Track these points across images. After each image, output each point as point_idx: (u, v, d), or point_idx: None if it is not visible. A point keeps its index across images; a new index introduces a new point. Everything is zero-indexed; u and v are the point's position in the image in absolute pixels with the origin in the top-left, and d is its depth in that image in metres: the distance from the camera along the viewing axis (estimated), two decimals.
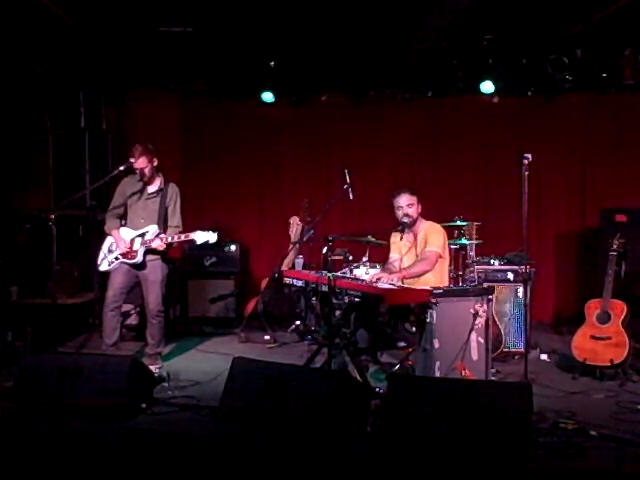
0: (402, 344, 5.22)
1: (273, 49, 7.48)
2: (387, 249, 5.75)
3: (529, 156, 5.00)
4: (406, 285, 5.01)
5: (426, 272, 5.23)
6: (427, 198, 7.92)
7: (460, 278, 6.10)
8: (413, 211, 5.35)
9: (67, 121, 7.67)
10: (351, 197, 5.99)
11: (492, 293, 5.01)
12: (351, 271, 5.58)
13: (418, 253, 5.39)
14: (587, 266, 7.53)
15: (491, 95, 7.64)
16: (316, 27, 6.77)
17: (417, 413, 3.91)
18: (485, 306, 4.81)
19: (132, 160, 5.46)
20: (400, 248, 5.51)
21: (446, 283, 5.39)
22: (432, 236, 5.31)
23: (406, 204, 5.35)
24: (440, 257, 5.29)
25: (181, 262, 7.79)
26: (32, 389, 4.59)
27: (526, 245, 5.22)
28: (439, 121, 8.18)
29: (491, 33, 7.07)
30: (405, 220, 5.34)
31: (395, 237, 5.54)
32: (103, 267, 5.69)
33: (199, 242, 5.41)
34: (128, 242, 5.56)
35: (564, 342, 6.35)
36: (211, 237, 5.39)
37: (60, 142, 7.65)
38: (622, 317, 5.43)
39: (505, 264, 6.33)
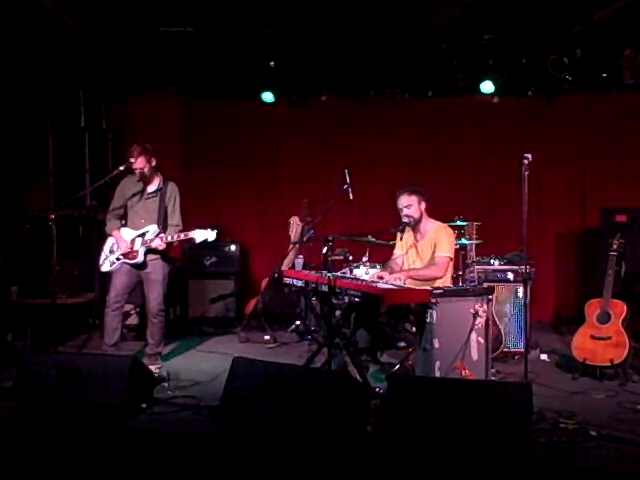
0: (402, 344, 5.21)
1: (273, 49, 7.48)
2: (387, 249, 5.74)
3: (529, 156, 4.99)
4: (407, 285, 5.01)
5: (437, 278, 5.20)
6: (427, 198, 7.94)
7: (460, 278, 6.10)
8: (413, 211, 5.34)
9: (67, 121, 7.65)
10: (351, 197, 5.99)
11: (492, 293, 5.01)
12: (351, 271, 5.58)
13: (420, 252, 5.38)
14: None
15: (491, 95, 7.64)
16: (316, 27, 6.77)
17: (417, 413, 3.91)
18: (485, 306, 4.81)
19: (132, 160, 5.46)
20: (406, 243, 5.49)
21: (449, 283, 5.40)
22: (442, 240, 5.26)
23: (404, 205, 5.34)
24: (451, 260, 5.30)
25: (181, 262, 7.79)
26: (32, 389, 4.59)
27: (526, 245, 5.22)
28: (439, 121, 8.18)
29: (491, 33, 7.07)
30: (405, 221, 5.34)
31: (399, 235, 5.53)
32: (105, 268, 5.70)
33: (198, 240, 5.41)
34: (129, 242, 5.57)
35: (564, 342, 6.36)
36: (210, 235, 5.40)
37: (60, 142, 7.65)
38: (622, 317, 5.43)
39: (505, 264, 6.33)
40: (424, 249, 5.36)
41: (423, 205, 5.37)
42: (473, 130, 8.16)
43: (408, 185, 5.66)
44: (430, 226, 5.38)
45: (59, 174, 7.62)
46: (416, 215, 5.34)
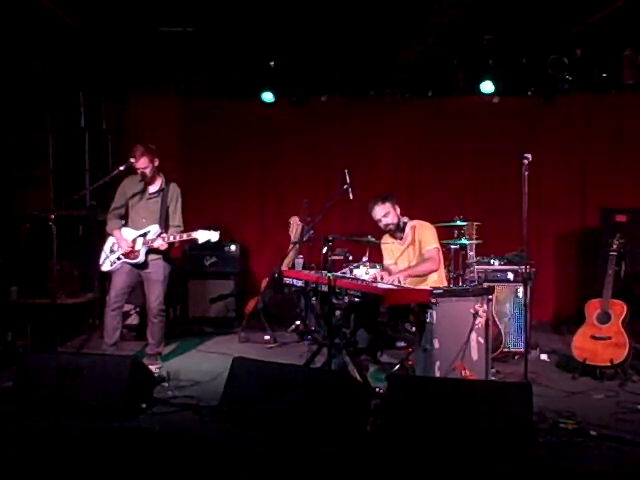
0: (402, 344, 5.22)
1: (273, 49, 7.49)
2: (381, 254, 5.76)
3: (529, 156, 5.00)
4: (406, 285, 5.02)
5: (433, 271, 5.27)
6: (427, 198, 7.95)
7: (460, 278, 6.10)
8: (391, 218, 5.39)
9: (67, 121, 7.66)
10: (351, 197, 5.99)
11: (492, 293, 5.01)
12: (351, 271, 5.59)
13: (406, 253, 5.40)
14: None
15: (491, 95, 7.64)
16: (316, 27, 6.77)
17: (417, 413, 3.91)
18: (485, 306, 4.81)
19: (132, 160, 5.45)
20: (392, 252, 5.53)
21: (444, 276, 5.43)
22: (424, 234, 5.33)
23: (382, 215, 5.38)
24: (439, 250, 5.35)
25: (181, 262, 7.79)
26: (32, 389, 4.59)
27: (526, 245, 5.22)
28: (439, 121, 8.17)
29: (491, 33, 7.07)
30: (390, 228, 5.40)
31: (386, 239, 5.55)
32: (105, 267, 5.69)
33: (201, 241, 5.40)
34: (130, 242, 5.56)
35: (564, 342, 6.36)
36: (213, 236, 5.39)
37: (60, 142, 7.65)
38: (622, 317, 5.43)
39: (505, 264, 6.33)
40: (409, 250, 5.43)
41: (398, 209, 5.42)
42: (473, 130, 8.15)
43: (408, 185, 5.68)
44: (409, 226, 5.44)
45: (59, 174, 7.63)
46: (395, 220, 5.41)
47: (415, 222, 5.46)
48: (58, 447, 4.03)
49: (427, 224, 5.45)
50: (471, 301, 4.79)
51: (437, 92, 7.90)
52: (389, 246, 5.51)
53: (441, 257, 5.40)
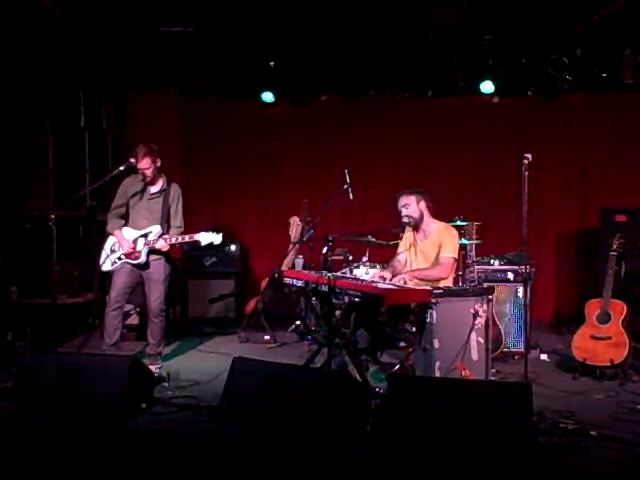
0: (402, 344, 5.21)
1: (273, 49, 7.49)
2: (387, 249, 5.75)
3: (529, 156, 4.99)
4: (407, 285, 5.00)
5: (441, 279, 5.19)
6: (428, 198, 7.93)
7: (460, 278, 6.10)
8: (411, 211, 5.33)
9: (67, 121, 7.66)
10: (351, 197, 5.99)
11: (492, 293, 5.00)
12: (351, 271, 5.59)
13: (422, 252, 5.37)
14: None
15: (491, 95, 7.65)
16: (316, 27, 6.78)
17: (417, 413, 3.91)
18: (485, 306, 4.80)
19: (132, 160, 5.44)
20: (407, 240, 5.49)
21: (450, 283, 5.40)
22: (446, 241, 5.23)
23: (402, 205, 5.34)
24: (455, 261, 5.29)
25: (181, 262, 7.79)
26: (32, 389, 4.59)
27: (526, 245, 5.22)
28: (439, 121, 8.18)
29: (491, 33, 7.08)
30: (405, 221, 5.34)
31: (401, 234, 5.53)
32: (106, 267, 5.68)
33: (204, 243, 5.39)
34: (131, 242, 5.55)
35: (564, 342, 6.36)
36: (216, 238, 5.38)
37: (60, 142, 7.66)
38: (622, 317, 5.43)
39: (505, 264, 6.32)
40: (427, 250, 5.34)
41: (423, 205, 5.35)
42: (473, 130, 8.16)
43: (408, 185, 5.67)
44: (434, 227, 5.36)
45: (59, 174, 7.63)
46: (415, 215, 5.33)
47: (443, 224, 5.38)
48: (58, 447, 4.03)
49: (454, 231, 5.36)
50: (471, 301, 4.78)
51: (437, 92, 7.90)
52: (406, 236, 5.45)
53: (454, 268, 5.32)
